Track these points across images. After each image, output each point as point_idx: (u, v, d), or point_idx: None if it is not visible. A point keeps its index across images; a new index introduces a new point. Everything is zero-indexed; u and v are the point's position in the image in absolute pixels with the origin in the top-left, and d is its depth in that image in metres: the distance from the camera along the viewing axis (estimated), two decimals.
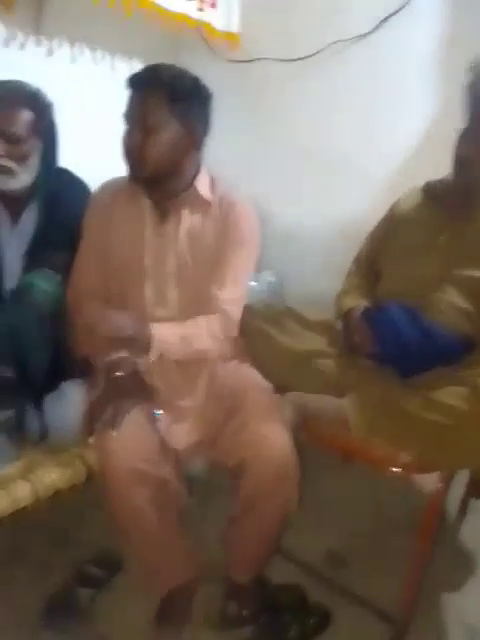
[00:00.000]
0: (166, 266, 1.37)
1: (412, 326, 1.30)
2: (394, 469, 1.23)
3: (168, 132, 1.27)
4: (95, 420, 1.21)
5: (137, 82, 1.28)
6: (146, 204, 1.37)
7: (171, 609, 1.36)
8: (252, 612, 1.38)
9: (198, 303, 1.37)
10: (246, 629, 1.36)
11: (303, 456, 1.30)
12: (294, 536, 1.55)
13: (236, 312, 1.38)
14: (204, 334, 1.33)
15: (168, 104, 1.25)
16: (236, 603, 1.38)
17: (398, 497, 1.73)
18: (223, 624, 1.37)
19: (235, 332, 1.39)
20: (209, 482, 1.65)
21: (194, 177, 1.36)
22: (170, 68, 1.31)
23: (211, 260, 1.36)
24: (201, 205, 1.37)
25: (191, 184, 1.36)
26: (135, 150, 1.28)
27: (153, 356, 1.29)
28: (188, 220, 1.37)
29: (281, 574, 1.49)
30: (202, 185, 1.37)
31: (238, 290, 1.38)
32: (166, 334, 1.31)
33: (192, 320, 1.34)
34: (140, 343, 1.29)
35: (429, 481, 1.26)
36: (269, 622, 1.37)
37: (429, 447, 1.18)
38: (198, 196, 1.36)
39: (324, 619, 1.39)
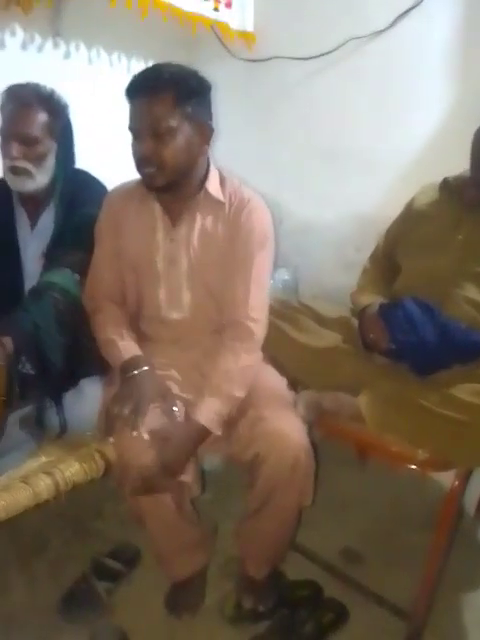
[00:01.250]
0: (179, 269, 1.35)
1: (429, 322, 1.30)
2: (411, 466, 1.23)
3: (183, 135, 1.22)
4: (112, 419, 1.22)
5: (140, 89, 1.21)
6: (157, 208, 1.35)
7: (182, 597, 1.40)
8: (267, 607, 1.40)
9: (211, 304, 1.37)
10: (261, 624, 1.37)
11: (319, 453, 1.31)
12: (310, 533, 1.56)
13: (262, 318, 1.34)
14: (239, 370, 1.27)
15: (177, 106, 1.20)
16: (251, 598, 1.40)
17: (415, 494, 1.72)
18: (238, 619, 1.38)
19: (262, 336, 1.34)
20: (224, 478, 1.66)
21: (204, 177, 1.33)
22: (170, 67, 1.24)
23: (224, 261, 1.34)
24: (213, 206, 1.33)
25: (202, 185, 1.33)
26: (151, 160, 1.22)
27: (218, 432, 1.24)
28: (200, 222, 1.34)
29: (297, 570, 1.50)
30: (212, 185, 1.33)
31: (262, 294, 1.34)
32: (214, 413, 1.23)
33: (222, 375, 1.27)
34: (200, 439, 1.24)
35: (446, 478, 1.26)
36: (284, 617, 1.38)
37: (446, 444, 1.17)
38: (209, 197, 1.33)
39: (340, 615, 1.40)
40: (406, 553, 1.54)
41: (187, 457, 1.23)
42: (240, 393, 1.27)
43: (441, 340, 1.28)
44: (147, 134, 1.21)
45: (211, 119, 1.31)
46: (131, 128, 1.25)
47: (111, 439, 1.22)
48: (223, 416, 1.25)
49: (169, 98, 1.19)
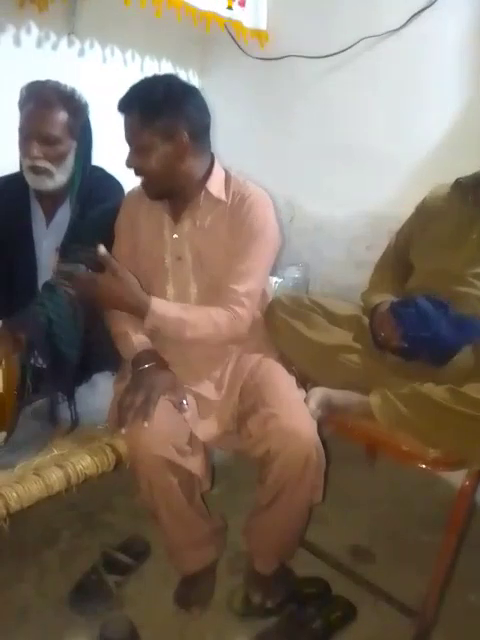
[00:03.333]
0: (185, 264, 1.39)
1: (443, 317, 1.29)
2: (421, 465, 1.23)
3: (155, 150, 1.27)
4: (124, 411, 1.24)
5: (120, 107, 1.29)
6: (163, 208, 1.40)
7: (192, 591, 1.41)
8: (276, 603, 1.40)
9: (217, 298, 1.38)
10: (269, 620, 1.37)
11: (329, 450, 1.31)
12: (319, 530, 1.56)
13: (250, 305, 1.36)
14: (205, 324, 1.32)
15: (143, 124, 1.25)
16: (260, 594, 1.40)
17: (424, 492, 1.72)
18: (246, 614, 1.39)
19: (245, 330, 1.37)
20: (233, 473, 1.67)
21: (205, 178, 1.36)
22: (141, 84, 1.29)
23: (227, 255, 1.36)
24: (215, 203, 1.37)
25: (203, 185, 1.35)
26: (137, 172, 1.32)
27: (147, 325, 1.31)
28: (202, 219, 1.37)
29: (306, 567, 1.50)
30: (214, 185, 1.36)
31: (253, 282, 1.35)
32: (163, 310, 1.31)
33: (202, 308, 1.34)
34: (138, 310, 1.31)
35: (456, 476, 1.25)
36: (292, 614, 1.38)
37: (459, 441, 1.17)
38: (211, 197, 1.36)
39: (348, 613, 1.40)
40: (415, 551, 1.54)
41: (111, 301, 1.31)
42: (193, 334, 1.32)
43: (456, 334, 1.28)
44: (131, 148, 1.30)
45: (195, 124, 1.29)
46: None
47: (122, 430, 1.23)
48: (163, 323, 1.31)
49: (136, 117, 1.26)
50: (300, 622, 1.35)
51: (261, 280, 1.39)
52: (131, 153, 1.30)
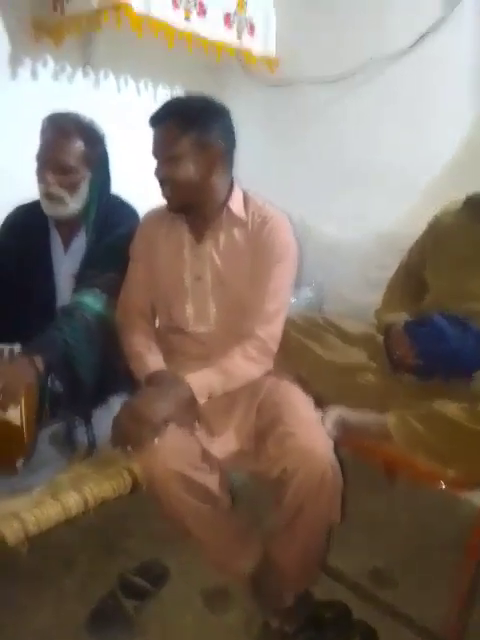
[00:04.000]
0: (204, 284, 1.41)
1: (461, 334, 1.29)
2: (440, 486, 1.22)
3: (188, 159, 1.32)
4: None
5: (154, 119, 1.35)
6: (184, 228, 1.43)
7: (264, 593, 1.38)
8: (294, 628, 1.37)
9: (237, 318, 1.40)
10: None
11: (346, 471, 1.30)
12: (339, 553, 1.54)
13: (274, 330, 1.38)
14: (241, 364, 1.34)
15: (181, 133, 1.30)
16: (278, 618, 1.38)
17: (444, 513, 1.68)
18: (265, 639, 1.36)
19: (276, 349, 1.40)
20: (251, 497, 1.66)
21: (227, 197, 1.40)
22: (181, 98, 1.39)
23: (247, 275, 1.39)
24: (235, 223, 1.40)
25: (224, 204, 1.40)
26: (165, 182, 1.35)
27: (202, 401, 1.29)
28: (223, 239, 1.41)
29: (325, 591, 1.48)
30: (235, 204, 1.40)
31: (276, 307, 1.38)
32: (204, 382, 1.29)
33: (225, 356, 1.34)
34: (189, 405, 1.27)
35: (477, 497, 1.24)
36: (311, 638, 1.35)
37: (477, 461, 1.16)
38: (232, 215, 1.40)
39: (368, 637, 1.37)
40: (437, 574, 1.51)
41: (162, 412, 1.22)
42: (231, 385, 1.32)
43: (474, 350, 1.27)
44: (161, 158, 1.34)
45: (227, 141, 1.37)
46: (152, 153, 1.37)
47: (128, 448, 1.24)
48: (211, 390, 1.29)
49: (173, 126, 1.31)
50: None
51: (284, 304, 1.41)
52: (160, 164, 1.35)
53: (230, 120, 1.39)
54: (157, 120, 1.34)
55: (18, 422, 1.22)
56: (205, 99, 1.37)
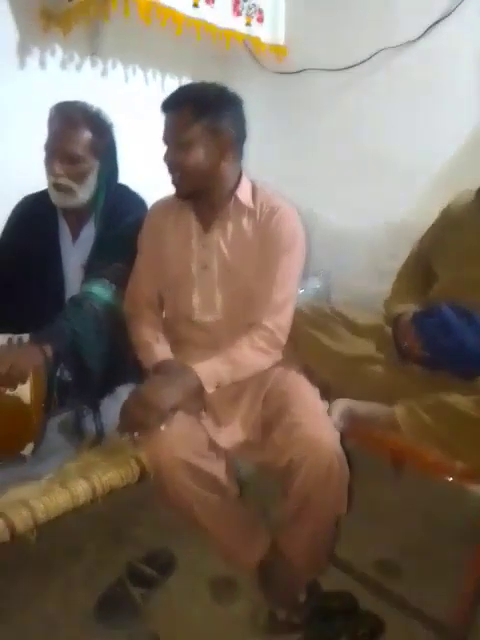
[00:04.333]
0: (211, 273, 1.41)
1: (468, 326, 1.28)
2: (448, 478, 1.21)
3: (200, 145, 1.31)
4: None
5: (167, 104, 1.34)
6: (192, 217, 1.43)
7: (271, 582, 1.38)
8: (301, 618, 1.38)
9: (243, 308, 1.40)
10: (295, 635, 1.35)
11: (354, 463, 1.29)
12: (345, 543, 1.54)
13: (282, 320, 1.38)
14: (248, 354, 1.34)
15: (195, 119, 1.30)
16: (285, 609, 1.38)
17: (451, 505, 1.68)
18: (272, 629, 1.37)
19: (284, 340, 1.40)
20: (257, 489, 1.66)
21: (235, 187, 1.40)
22: (195, 85, 1.38)
23: (255, 265, 1.39)
24: (243, 213, 1.40)
25: (232, 193, 1.39)
26: (175, 167, 1.34)
27: (210, 390, 1.30)
28: (231, 228, 1.40)
29: (332, 582, 1.48)
30: (243, 194, 1.40)
31: (284, 297, 1.38)
32: (211, 371, 1.30)
33: (233, 346, 1.34)
34: (196, 393, 1.28)
35: None
36: (319, 629, 1.36)
37: None
38: (240, 205, 1.40)
39: (375, 629, 1.37)
40: (444, 565, 1.51)
41: (169, 400, 1.23)
42: (238, 375, 1.33)
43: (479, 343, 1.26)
44: (172, 144, 1.34)
45: (239, 131, 1.37)
46: (162, 139, 1.37)
47: (135, 434, 1.25)
48: (219, 380, 1.30)
49: (188, 111, 1.31)
50: (326, 637, 1.34)
51: (292, 295, 1.41)
52: (171, 149, 1.34)
53: (242, 110, 1.39)
54: (170, 105, 1.34)
55: (27, 405, 1.23)
56: (220, 87, 1.36)
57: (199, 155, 1.32)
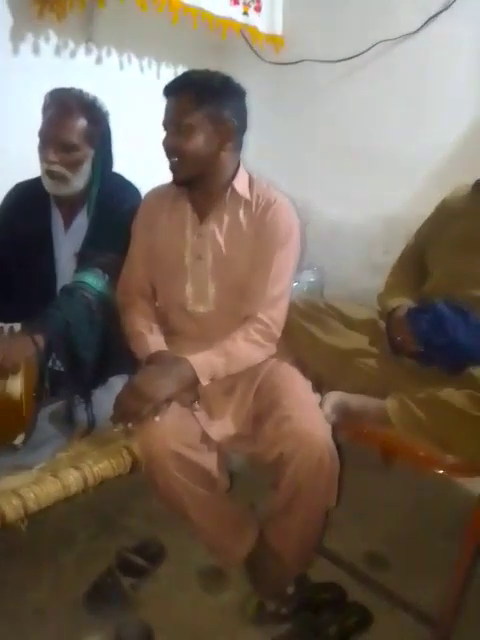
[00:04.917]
0: (204, 264, 1.40)
1: (462, 323, 1.28)
2: (438, 471, 1.22)
3: (201, 132, 1.31)
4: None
5: (169, 89, 1.34)
6: (187, 206, 1.42)
7: (259, 578, 1.39)
8: (290, 609, 1.39)
9: (235, 299, 1.40)
10: (283, 626, 1.36)
11: (344, 456, 1.30)
12: (335, 536, 1.55)
13: (277, 314, 1.38)
14: (243, 347, 1.34)
15: (197, 105, 1.29)
16: (274, 600, 1.39)
17: (442, 499, 1.70)
18: (261, 620, 1.38)
19: (279, 333, 1.40)
20: (247, 482, 1.67)
21: (232, 177, 1.39)
22: (199, 72, 1.37)
23: (249, 257, 1.38)
24: (239, 204, 1.40)
25: (229, 184, 1.39)
26: (173, 152, 1.33)
27: (205, 382, 1.30)
28: (226, 219, 1.40)
29: (321, 573, 1.49)
30: (240, 185, 1.39)
31: (279, 291, 1.38)
32: (205, 363, 1.30)
33: (228, 338, 1.34)
34: (188, 387, 1.29)
35: (475, 483, 1.24)
36: (307, 620, 1.37)
37: (476, 447, 1.16)
38: (237, 196, 1.39)
39: (363, 619, 1.38)
40: (432, 558, 1.53)
41: (164, 391, 1.23)
42: (233, 368, 1.33)
43: (475, 341, 1.26)
44: (172, 128, 1.33)
45: (240, 121, 1.36)
46: (163, 123, 1.36)
47: (129, 424, 1.25)
48: (214, 372, 1.30)
49: (191, 97, 1.30)
50: (315, 628, 1.34)
51: (286, 288, 1.41)
52: (171, 134, 1.33)
53: (245, 102, 1.38)
54: (173, 90, 1.33)
55: (18, 395, 1.22)
56: (224, 76, 1.36)
57: (199, 141, 1.31)
